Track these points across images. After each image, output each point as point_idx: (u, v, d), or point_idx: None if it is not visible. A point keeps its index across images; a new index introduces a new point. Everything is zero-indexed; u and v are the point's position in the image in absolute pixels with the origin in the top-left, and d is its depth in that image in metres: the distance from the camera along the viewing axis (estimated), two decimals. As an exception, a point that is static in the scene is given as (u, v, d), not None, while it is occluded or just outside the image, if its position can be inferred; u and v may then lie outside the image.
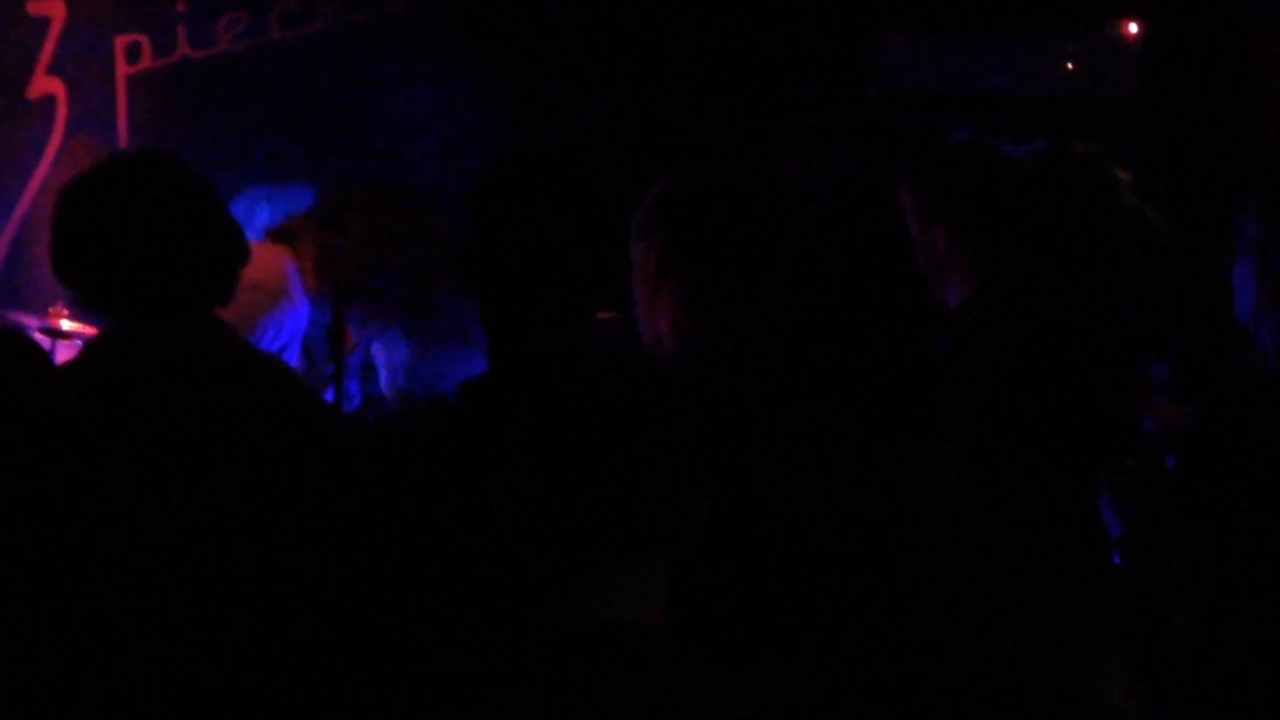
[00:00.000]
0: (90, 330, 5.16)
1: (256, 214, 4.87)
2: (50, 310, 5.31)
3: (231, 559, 2.67)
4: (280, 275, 4.65)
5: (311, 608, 2.60)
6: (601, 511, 2.28)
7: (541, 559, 2.26)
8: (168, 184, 2.85)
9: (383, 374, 4.62)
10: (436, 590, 2.38)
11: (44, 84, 6.22)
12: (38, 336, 5.32)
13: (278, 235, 4.87)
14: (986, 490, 2.24)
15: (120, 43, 6.31)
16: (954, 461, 2.22)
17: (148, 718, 2.60)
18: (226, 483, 2.69)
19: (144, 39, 6.34)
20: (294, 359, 4.65)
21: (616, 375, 2.44)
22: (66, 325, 5.23)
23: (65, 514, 2.57)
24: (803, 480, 2.31)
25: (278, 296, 4.63)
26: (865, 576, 2.12)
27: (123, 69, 6.33)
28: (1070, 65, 6.87)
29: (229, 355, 2.85)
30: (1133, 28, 6.86)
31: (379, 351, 4.90)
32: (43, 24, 6.19)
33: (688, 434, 2.38)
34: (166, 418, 2.69)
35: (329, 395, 4.66)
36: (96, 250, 2.82)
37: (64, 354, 5.27)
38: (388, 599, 2.41)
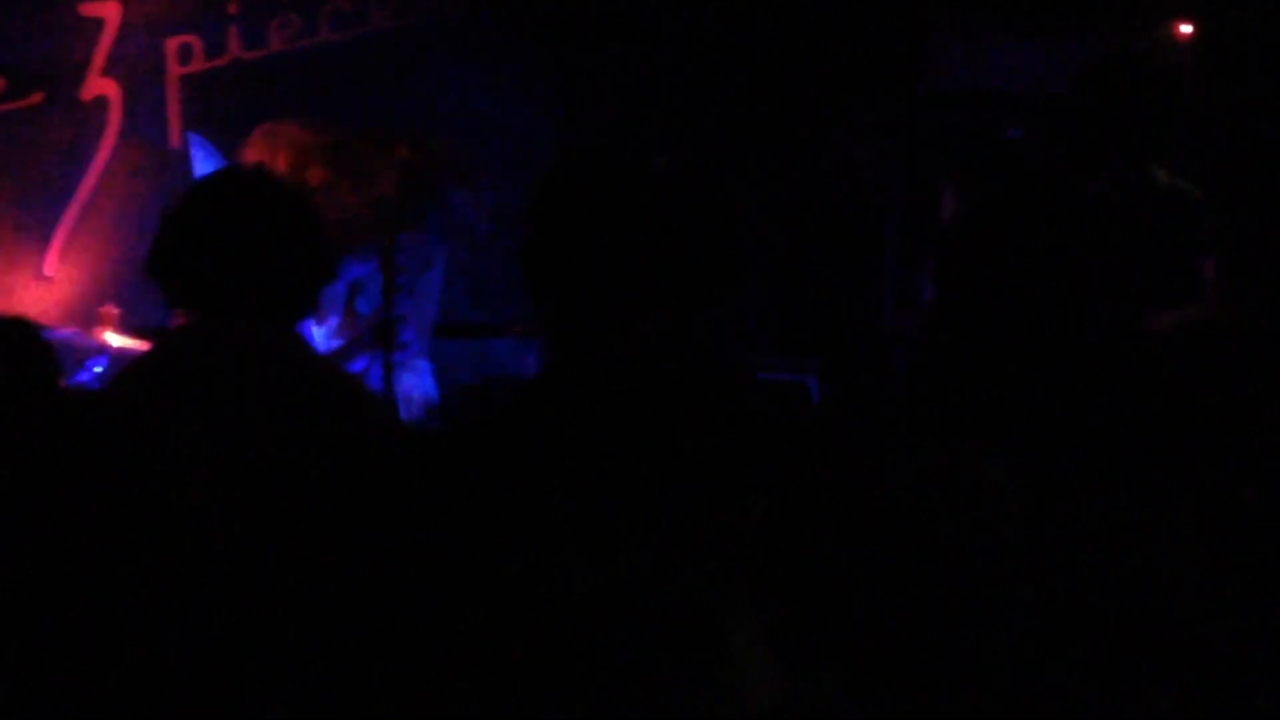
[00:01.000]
0: (135, 346, 5.21)
1: None
2: (98, 313, 5.35)
3: (281, 562, 2.68)
4: None
5: (367, 614, 2.61)
6: (661, 515, 2.28)
7: (600, 560, 2.27)
8: (279, 200, 2.94)
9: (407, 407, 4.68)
10: (492, 592, 2.38)
11: (97, 85, 6.25)
12: (79, 344, 5.38)
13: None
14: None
15: (172, 44, 6.34)
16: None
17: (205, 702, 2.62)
18: (279, 487, 2.71)
19: (196, 40, 6.36)
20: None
21: (675, 378, 2.44)
22: (111, 337, 5.26)
23: (124, 505, 2.59)
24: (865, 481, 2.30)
25: None
26: (917, 583, 2.11)
27: (175, 70, 6.35)
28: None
29: (302, 364, 2.90)
30: (1185, 28, 6.81)
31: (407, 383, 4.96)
32: (96, 25, 6.23)
33: (747, 434, 2.38)
34: (232, 416, 2.72)
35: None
36: (203, 250, 2.88)
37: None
38: (446, 602, 2.41)
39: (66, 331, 5.39)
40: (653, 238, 2.51)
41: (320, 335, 4.89)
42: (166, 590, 2.57)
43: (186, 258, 2.91)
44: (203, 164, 5.29)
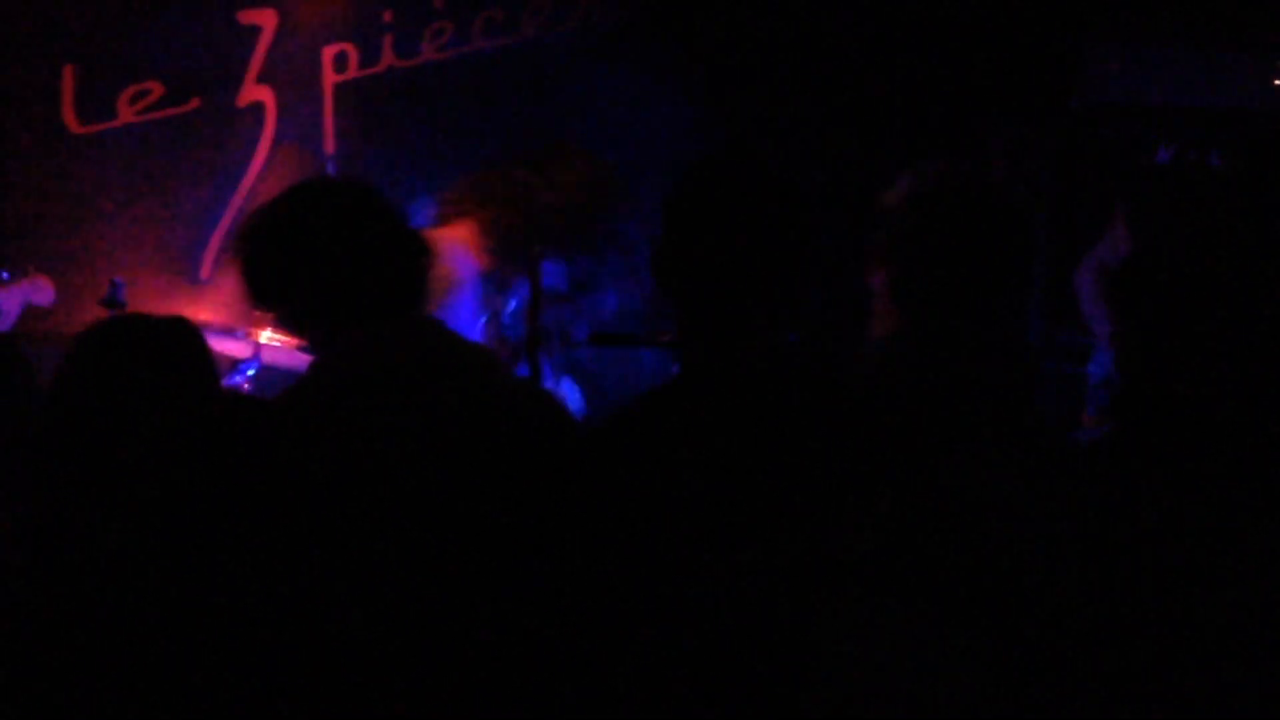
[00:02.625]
0: (291, 340, 5.27)
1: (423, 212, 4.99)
2: (254, 316, 5.41)
3: (477, 552, 2.69)
4: (449, 262, 4.72)
5: (522, 604, 2.62)
6: (790, 521, 2.27)
7: (730, 561, 2.26)
8: (351, 203, 2.93)
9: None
10: (625, 591, 2.38)
11: (253, 92, 6.33)
12: (235, 345, 5.45)
13: (440, 220, 4.96)
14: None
15: (328, 52, 6.41)
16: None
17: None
18: (476, 472, 2.72)
19: (351, 48, 6.44)
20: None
21: (803, 385, 2.43)
22: (266, 337, 5.33)
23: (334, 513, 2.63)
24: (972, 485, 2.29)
25: (448, 283, 4.70)
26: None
27: (330, 78, 6.42)
28: None
29: (450, 349, 2.90)
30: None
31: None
32: (253, 33, 6.31)
33: (870, 441, 2.36)
34: (417, 413, 2.73)
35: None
36: (296, 274, 2.88)
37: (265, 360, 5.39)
38: (585, 597, 2.42)
39: (222, 333, 5.47)
40: (785, 244, 2.51)
41: None
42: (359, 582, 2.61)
43: (295, 283, 2.90)
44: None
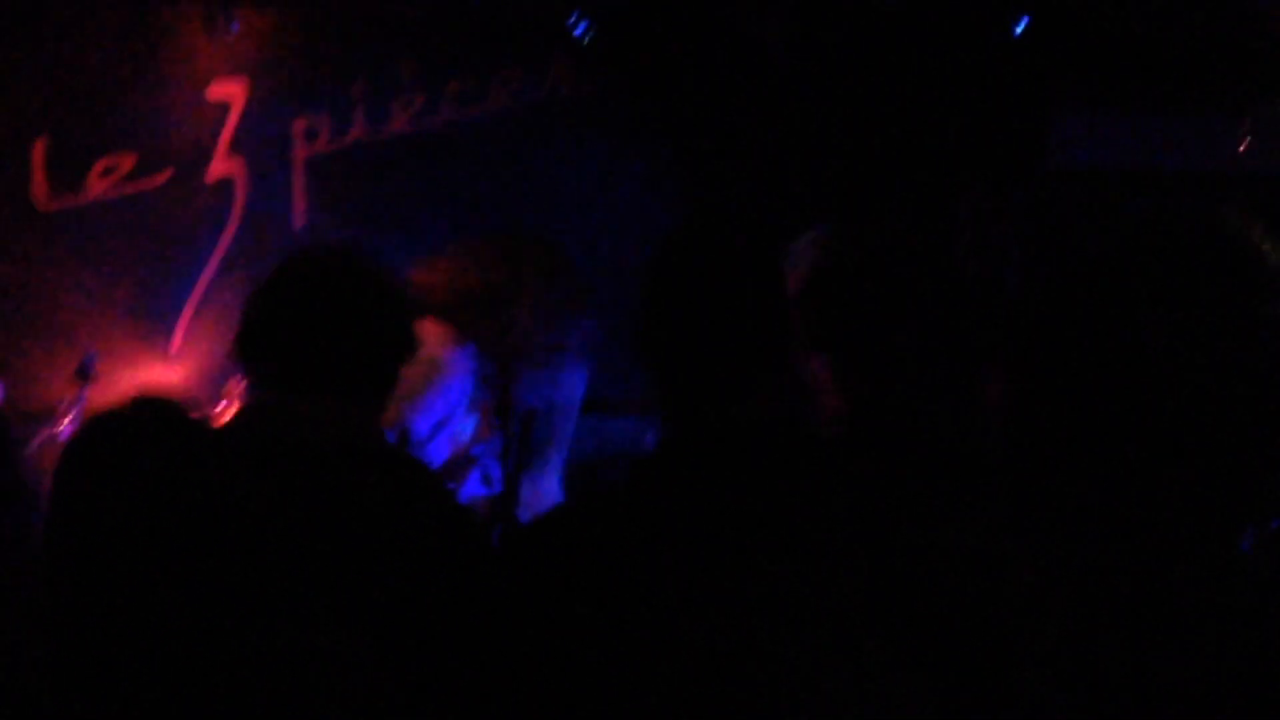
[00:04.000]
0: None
1: None
2: (223, 390, 5.40)
3: (342, 652, 2.68)
4: (434, 347, 4.69)
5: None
6: (778, 584, 2.27)
7: (717, 627, 2.25)
8: (351, 275, 2.95)
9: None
10: (614, 665, 2.36)
11: (224, 165, 6.33)
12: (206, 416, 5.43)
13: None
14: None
15: (298, 125, 6.43)
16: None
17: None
18: (342, 565, 2.71)
19: (322, 120, 6.45)
20: (455, 429, 4.67)
21: (786, 450, 2.43)
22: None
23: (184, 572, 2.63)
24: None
25: (434, 368, 4.67)
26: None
27: (300, 150, 6.44)
28: (1245, 142, 6.76)
29: (364, 443, 2.90)
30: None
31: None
32: (223, 106, 6.32)
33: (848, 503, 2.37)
34: (290, 494, 2.73)
35: (475, 473, 4.70)
36: (276, 331, 2.90)
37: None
38: (569, 676, 2.39)
39: (192, 406, 5.45)
40: (758, 312, 2.51)
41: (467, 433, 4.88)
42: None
43: (267, 340, 2.92)
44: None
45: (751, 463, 2.41)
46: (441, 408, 4.70)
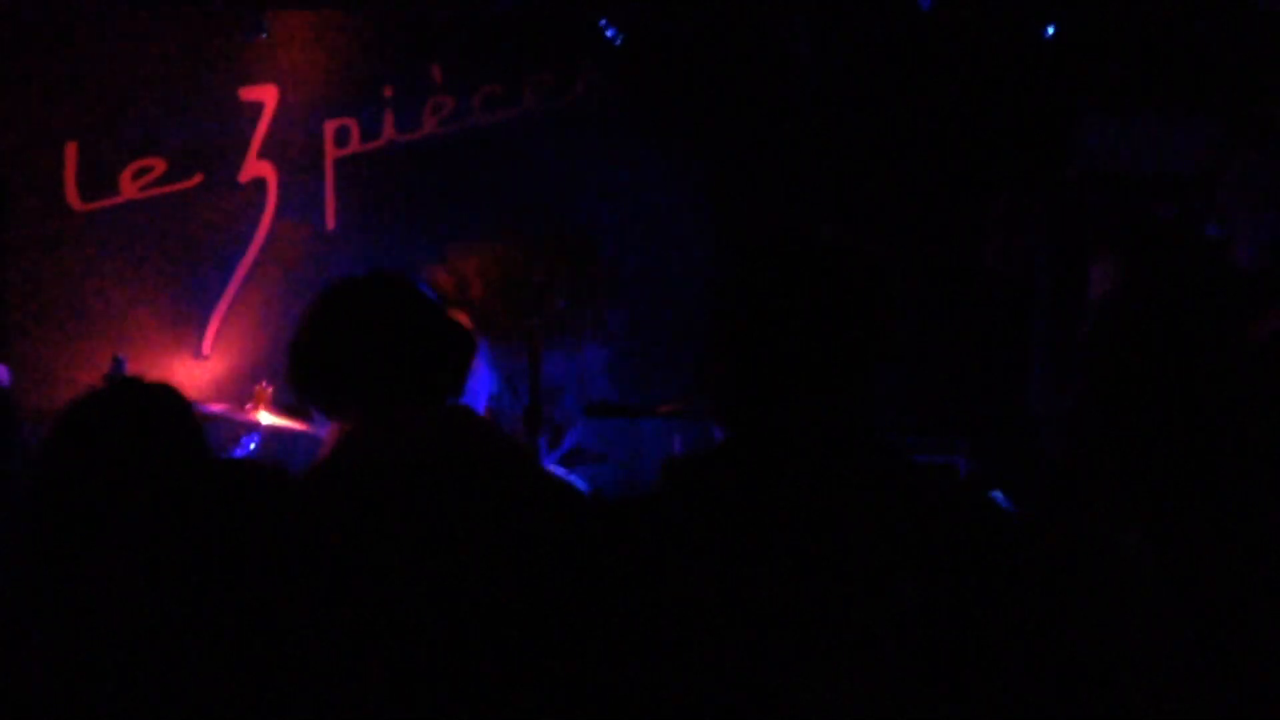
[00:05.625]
0: (293, 425, 5.28)
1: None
2: (253, 391, 5.42)
3: (483, 648, 2.69)
4: None
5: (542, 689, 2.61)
6: (825, 591, 2.28)
7: (763, 633, 2.26)
8: (397, 297, 2.96)
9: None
10: (661, 666, 2.38)
11: (255, 167, 6.37)
12: (234, 420, 5.45)
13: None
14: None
15: (330, 127, 6.46)
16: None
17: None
18: (486, 565, 2.73)
19: (352, 123, 6.49)
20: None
21: (840, 456, 2.44)
22: (265, 414, 5.33)
23: (332, 601, 2.63)
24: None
25: None
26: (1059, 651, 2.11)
27: (331, 152, 6.47)
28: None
29: (477, 440, 2.92)
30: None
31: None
32: (255, 109, 6.36)
33: (909, 514, 2.37)
34: (431, 502, 2.75)
35: None
36: (338, 367, 2.91)
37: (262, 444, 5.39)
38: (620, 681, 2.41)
39: (222, 408, 5.48)
40: (825, 321, 2.51)
41: None
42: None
43: (332, 370, 2.93)
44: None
45: (802, 468, 2.42)
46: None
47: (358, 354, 2.90)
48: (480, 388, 4.75)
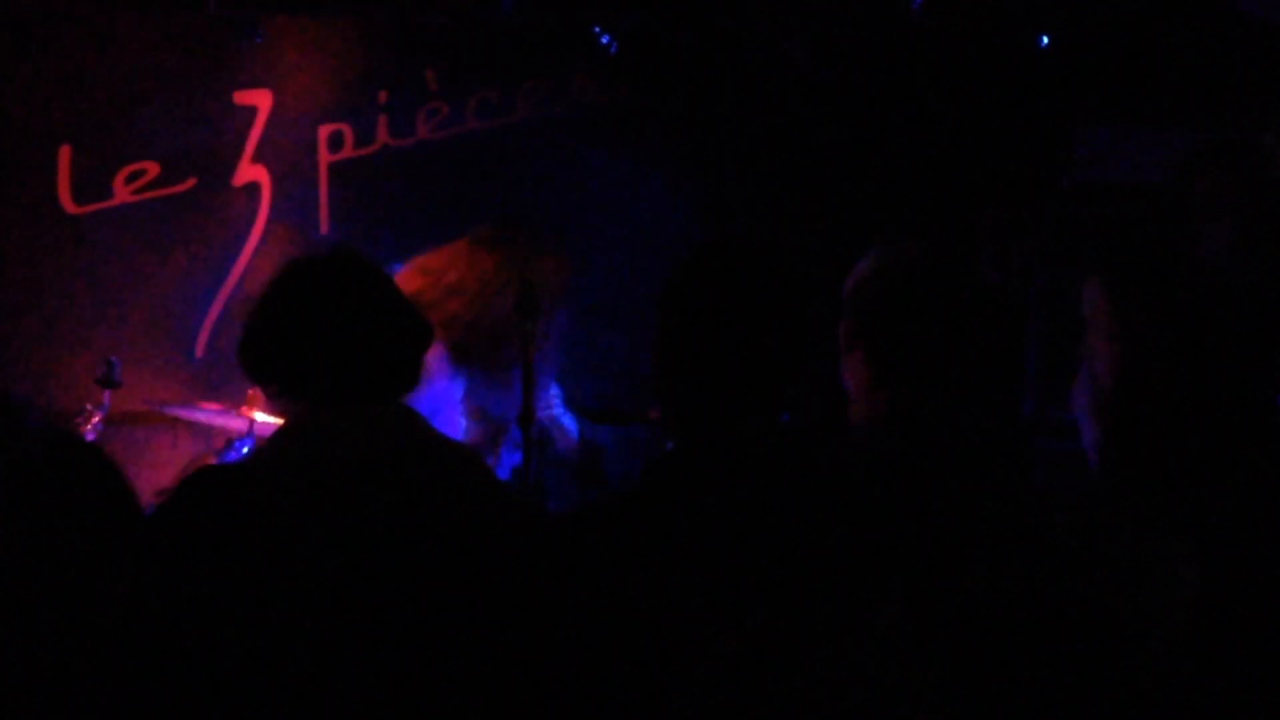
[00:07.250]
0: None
1: None
2: (247, 395, 5.42)
3: (419, 650, 2.68)
4: None
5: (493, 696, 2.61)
6: (792, 601, 2.28)
7: (739, 639, 2.26)
8: (356, 279, 2.92)
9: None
10: (629, 670, 2.38)
11: (249, 172, 6.38)
12: (230, 422, 5.44)
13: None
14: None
15: (323, 132, 6.46)
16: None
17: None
18: (420, 568, 2.71)
19: (346, 128, 6.49)
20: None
21: (798, 471, 2.44)
22: (260, 417, 5.33)
23: (259, 601, 2.61)
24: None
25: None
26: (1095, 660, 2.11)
27: (325, 157, 6.47)
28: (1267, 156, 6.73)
29: (421, 440, 2.89)
30: (1335, 119, 6.72)
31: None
32: (249, 113, 6.36)
33: (868, 520, 2.38)
34: (363, 502, 2.72)
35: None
36: (289, 344, 2.88)
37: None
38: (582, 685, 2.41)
39: (215, 411, 5.48)
40: (776, 331, 2.52)
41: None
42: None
43: (284, 351, 2.90)
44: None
45: (763, 477, 2.42)
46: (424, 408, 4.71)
47: (311, 332, 2.87)
48: (440, 402, 4.72)
